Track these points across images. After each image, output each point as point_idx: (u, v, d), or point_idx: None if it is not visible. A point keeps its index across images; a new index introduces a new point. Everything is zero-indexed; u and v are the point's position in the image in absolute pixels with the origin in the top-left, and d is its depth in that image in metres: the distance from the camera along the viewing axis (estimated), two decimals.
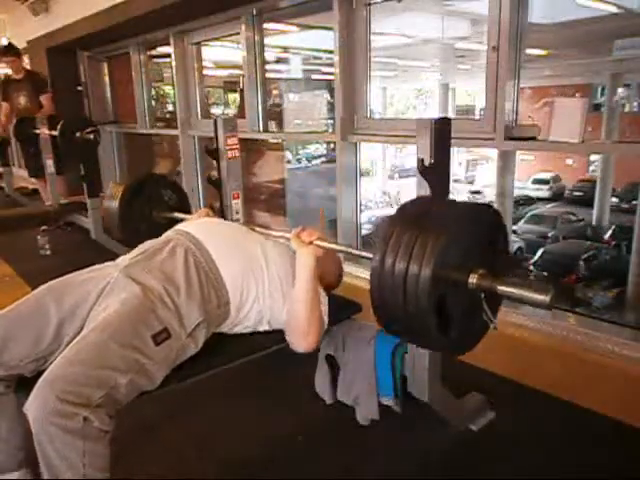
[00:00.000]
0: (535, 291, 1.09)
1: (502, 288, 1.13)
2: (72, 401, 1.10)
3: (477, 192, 15.11)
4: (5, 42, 5.17)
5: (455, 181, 15.21)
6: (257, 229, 1.79)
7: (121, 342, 1.24)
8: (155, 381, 1.31)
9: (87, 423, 1.11)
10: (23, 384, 1.33)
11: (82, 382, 1.14)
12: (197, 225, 1.70)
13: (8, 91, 4.94)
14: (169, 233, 1.63)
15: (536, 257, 8.97)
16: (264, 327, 1.61)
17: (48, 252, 3.97)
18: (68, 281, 1.46)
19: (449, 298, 1.12)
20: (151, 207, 2.28)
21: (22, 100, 4.93)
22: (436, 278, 1.04)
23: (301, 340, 1.52)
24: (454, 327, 1.15)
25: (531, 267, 8.92)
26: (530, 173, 14.02)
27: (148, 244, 1.57)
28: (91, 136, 3.70)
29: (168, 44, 4.20)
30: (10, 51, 4.76)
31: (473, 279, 1.14)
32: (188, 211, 2.33)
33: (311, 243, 1.52)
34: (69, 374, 1.15)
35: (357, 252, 1.55)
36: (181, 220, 2.16)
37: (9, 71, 5.04)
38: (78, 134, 3.71)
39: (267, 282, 1.57)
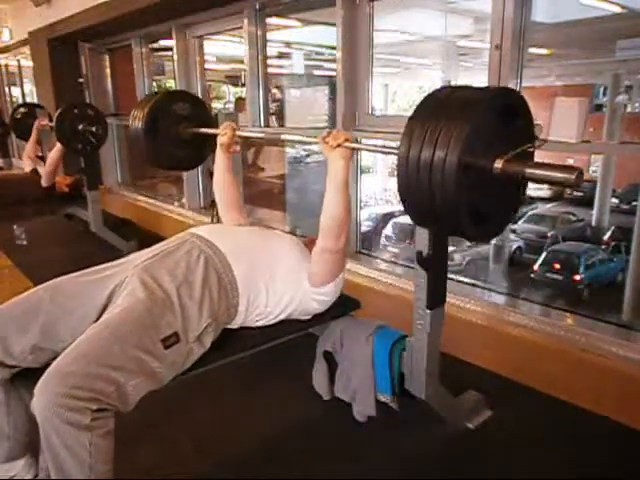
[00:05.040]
0: (561, 171, 1.12)
1: (529, 171, 1.14)
2: (82, 396, 1.11)
3: None
4: (7, 34, 5.12)
5: None
6: (265, 227, 1.80)
7: (131, 342, 1.25)
8: (163, 383, 1.32)
9: (95, 418, 1.12)
10: (23, 375, 1.34)
11: (92, 378, 1.15)
12: (209, 229, 1.71)
13: None
14: (183, 235, 1.63)
15: (541, 260, 8.95)
16: (273, 321, 1.63)
17: (24, 242, 4.12)
18: (81, 277, 1.47)
19: (476, 183, 1.13)
20: (176, 125, 2.28)
21: None
22: (462, 164, 1.06)
23: (334, 241, 1.55)
24: (482, 213, 1.18)
25: (536, 268, 8.89)
26: None
27: (162, 245, 1.58)
28: (93, 128, 3.68)
29: (170, 37, 4.19)
30: None
31: (499, 164, 1.15)
32: (211, 125, 2.32)
33: (339, 146, 1.53)
34: (80, 369, 1.15)
35: (384, 149, 1.61)
36: (207, 135, 2.18)
37: None
38: (81, 126, 3.69)
39: (280, 278, 1.59)
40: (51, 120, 4.14)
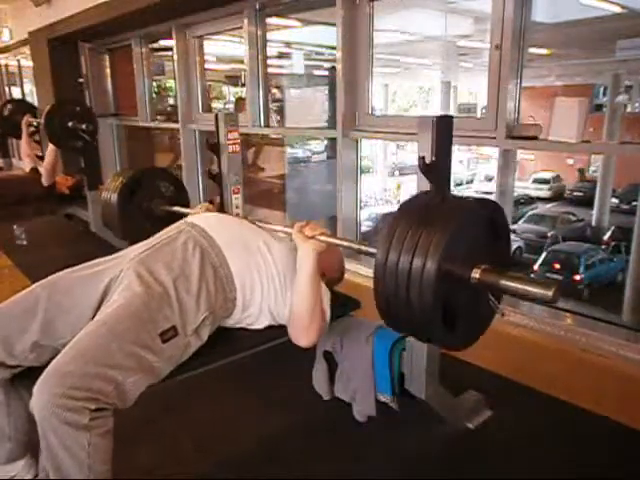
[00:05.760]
0: (538, 286, 1.08)
1: (505, 283, 1.12)
2: (80, 396, 1.10)
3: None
4: (7, 34, 5.10)
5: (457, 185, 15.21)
6: (260, 224, 1.78)
7: (129, 339, 1.24)
8: (160, 377, 1.32)
9: (94, 418, 1.12)
10: (23, 375, 1.34)
11: (91, 377, 1.14)
12: (206, 219, 1.68)
13: None
14: (179, 224, 1.61)
15: (541, 259, 8.96)
16: (268, 322, 1.60)
17: (24, 242, 4.07)
18: (76, 273, 1.46)
19: (453, 292, 1.12)
20: (150, 200, 2.26)
21: None
22: (441, 272, 1.04)
23: (302, 334, 1.52)
24: (458, 321, 1.15)
25: (536, 268, 8.90)
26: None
27: (158, 236, 1.56)
28: (83, 126, 3.67)
29: (170, 37, 4.18)
30: None
31: (476, 274, 1.14)
32: (187, 204, 2.31)
33: (313, 237, 1.52)
34: (78, 369, 1.15)
35: (361, 247, 1.54)
36: (181, 214, 2.15)
37: None
38: (70, 124, 3.68)
39: (272, 278, 1.57)
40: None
